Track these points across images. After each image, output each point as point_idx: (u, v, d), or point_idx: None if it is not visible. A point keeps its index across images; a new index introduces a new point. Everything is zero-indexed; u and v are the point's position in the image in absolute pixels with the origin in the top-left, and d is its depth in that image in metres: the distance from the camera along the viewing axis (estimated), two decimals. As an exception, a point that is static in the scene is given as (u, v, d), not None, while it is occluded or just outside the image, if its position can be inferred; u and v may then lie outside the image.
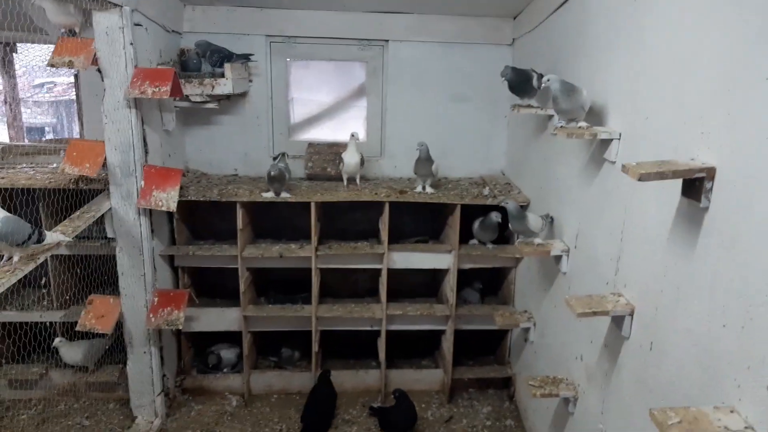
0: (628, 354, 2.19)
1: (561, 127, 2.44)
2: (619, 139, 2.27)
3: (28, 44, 4.12)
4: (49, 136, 10.64)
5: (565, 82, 2.41)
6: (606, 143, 2.34)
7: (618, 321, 2.22)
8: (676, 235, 1.85)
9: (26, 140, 4.56)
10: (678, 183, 1.79)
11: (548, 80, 2.45)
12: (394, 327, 3.78)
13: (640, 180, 1.68)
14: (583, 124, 2.42)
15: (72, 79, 5.94)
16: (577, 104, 2.40)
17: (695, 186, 1.70)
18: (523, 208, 3.38)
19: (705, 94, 1.70)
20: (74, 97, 6.33)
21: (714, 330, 1.64)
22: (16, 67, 4.34)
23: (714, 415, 1.55)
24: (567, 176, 2.86)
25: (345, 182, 3.74)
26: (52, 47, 2.99)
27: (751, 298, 1.48)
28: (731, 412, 1.55)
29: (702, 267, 1.70)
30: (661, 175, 1.67)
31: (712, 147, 1.67)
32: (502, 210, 3.46)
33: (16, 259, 2.46)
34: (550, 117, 3.07)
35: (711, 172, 1.65)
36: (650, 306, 2.01)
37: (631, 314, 2.15)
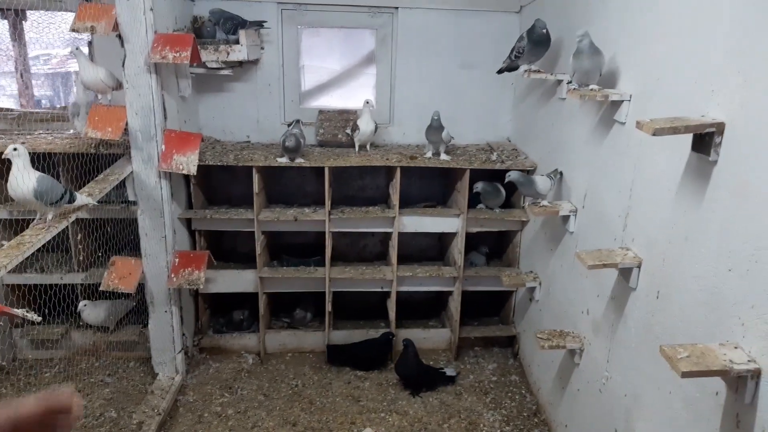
0: (635, 304, 2.32)
1: (573, 89, 2.54)
2: (629, 100, 2.38)
3: (38, 12, 4.11)
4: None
5: (592, 42, 2.50)
6: (616, 105, 2.45)
7: (625, 273, 2.35)
8: (685, 188, 1.97)
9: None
10: (687, 139, 1.90)
11: (583, 34, 2.51)
12: (404, 288, 3.91)
13: (654, 135, 1.79)
14: (594, 86, 2.52)
15: (67, 52, 5.94)
16: (597, 65, 2.49)
17: (705, 141, 1.82)
18: (530, 172, 3.50)
19: (716, 53, 1.81)
20: (70, 69, 6.31)
21: (720, 274, 1.77)
22: (27, 37, 4.34)
23: (719, 351, 1.69)
24: (575, 139, 2.97)
25: (357, 149, 3.84)
26: (59, 14, 3.02)
27: (757, 242, 1.61)
28: (735, 348, 1.69)
29: (710, 217, 1.83)
30: (674, 130, 1.78)
31: (721, 104, 1.78)
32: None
33: (50, 217, 2.57)
34: (559, 82, 3.16)
35: (720, 127, 1.76)
36: (658, 257, 2.14)
37: (639, 266, 2.28)
